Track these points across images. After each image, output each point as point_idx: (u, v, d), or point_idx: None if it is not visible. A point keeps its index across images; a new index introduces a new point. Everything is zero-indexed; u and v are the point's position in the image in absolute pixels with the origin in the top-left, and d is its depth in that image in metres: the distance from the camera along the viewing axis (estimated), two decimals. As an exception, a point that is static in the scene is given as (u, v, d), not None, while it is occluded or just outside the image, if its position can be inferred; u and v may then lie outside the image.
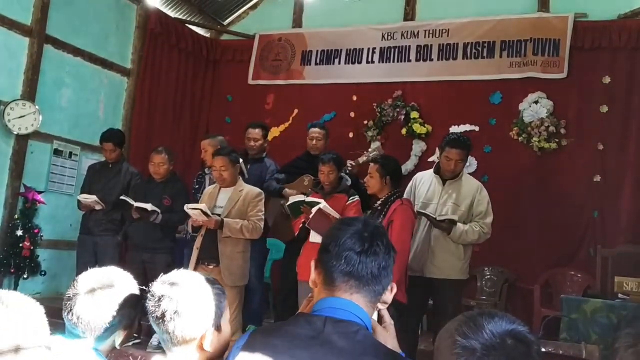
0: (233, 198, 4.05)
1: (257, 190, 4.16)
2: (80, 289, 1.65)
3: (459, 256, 3.86)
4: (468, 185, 3.96)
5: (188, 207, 3.94)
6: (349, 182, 4.31)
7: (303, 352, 1.25)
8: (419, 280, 3.78)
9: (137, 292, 1.72)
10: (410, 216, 3.70)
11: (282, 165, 5.02)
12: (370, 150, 5.02)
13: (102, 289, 1.65)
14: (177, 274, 1.55)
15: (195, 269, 3.83)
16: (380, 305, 1.39)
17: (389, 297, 1.38)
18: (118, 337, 1.69)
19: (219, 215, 3.96)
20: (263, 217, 4.11)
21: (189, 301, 1.47)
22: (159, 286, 1.51)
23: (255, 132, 4.89)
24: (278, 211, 4.65)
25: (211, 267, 3.94)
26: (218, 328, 1.51)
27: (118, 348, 1.71)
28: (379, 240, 1.34)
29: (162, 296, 1.48)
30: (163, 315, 1.46)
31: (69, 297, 1.65)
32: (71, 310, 1.63)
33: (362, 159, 4.74)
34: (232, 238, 3.95)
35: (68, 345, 1.61)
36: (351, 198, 4.03)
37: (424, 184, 4.06)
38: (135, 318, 1.72)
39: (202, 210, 3.84)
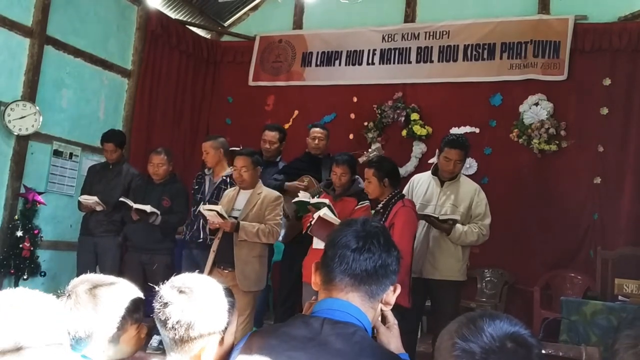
0: (251, 201, 3.94)
1: (276, 193, 4.05)
2: (66, 297, 1.60)
3: (457, 257, 3.86)
4: (466, 187, 3.97)
5: (204, 208, 3.84)
6: (362, 185, 4.29)
7: (300, 353, 1.25)
8: (417, 282, 3.77)
9: (123, 300, 1.63)
10: (412, 217, 3.65)
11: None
12: (370, 150, 5.00)
13: (86, 293, 1.59)
14: (190, 280, 1.48)
15: (211, 272, 3.77)
16: (383, 307, 1.38)
17: (391, 297, 1.37)
18: (112, 344, 1.60)
19: (236, 218, 3.85)
20: (280, 221, 4.00)
21: (195, 312, 1.42)
22: (167, 290, 1.45)
23: (271, 135, 4.88)
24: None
25: (226, 271, 3.83)
26: (221, 340, 1.46)
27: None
28: (374, 238, 1.34)
29: (168, 302, 1.43)
30: (166, 321, 1.42)
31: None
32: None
33: (362, 159, 4.72)
34: (248, 242, 3.81)
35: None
36: (360, 203, 3.97)
37: (422, 185, 4.06)
38: (125, 323, 1.62)
39: (217, 212, 3.74)
